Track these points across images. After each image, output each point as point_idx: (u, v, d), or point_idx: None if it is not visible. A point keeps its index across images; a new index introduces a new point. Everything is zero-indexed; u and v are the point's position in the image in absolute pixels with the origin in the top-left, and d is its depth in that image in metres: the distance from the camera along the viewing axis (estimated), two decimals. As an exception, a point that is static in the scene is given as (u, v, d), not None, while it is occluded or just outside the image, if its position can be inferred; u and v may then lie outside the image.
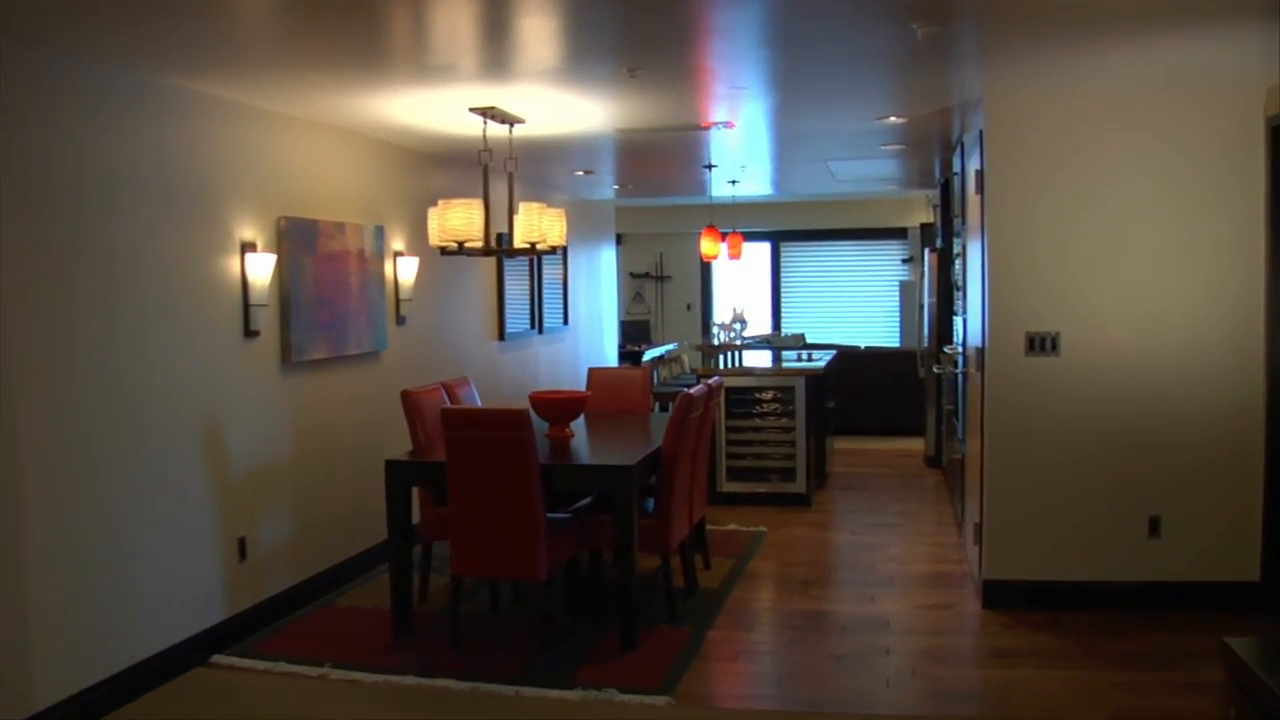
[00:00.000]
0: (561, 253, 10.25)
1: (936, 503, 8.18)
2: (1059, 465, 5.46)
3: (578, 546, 5.44)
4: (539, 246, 5.62)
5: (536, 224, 5.49)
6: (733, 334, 9.23)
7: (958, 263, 7.40)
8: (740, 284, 15.87)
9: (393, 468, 5.28)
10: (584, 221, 11.13)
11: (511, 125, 6.00)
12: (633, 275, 16.08)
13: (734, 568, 6.40)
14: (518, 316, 9.10)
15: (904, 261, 15.01)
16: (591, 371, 7.15)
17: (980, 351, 5.68)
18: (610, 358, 11.94)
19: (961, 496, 6.93)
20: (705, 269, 15.94)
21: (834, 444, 10.04)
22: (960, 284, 7.13)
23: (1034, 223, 5.40)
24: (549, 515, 5.22)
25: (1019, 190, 5.42)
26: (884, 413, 11.53)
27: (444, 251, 5.41)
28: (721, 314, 9.55)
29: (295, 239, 5.70)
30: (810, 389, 8.05)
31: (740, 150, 7.64)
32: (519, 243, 5.56)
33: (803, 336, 14.74)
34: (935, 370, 9.17)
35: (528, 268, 9.34)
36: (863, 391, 11.50)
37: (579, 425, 6.40)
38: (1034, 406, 5.46)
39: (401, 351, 6.97)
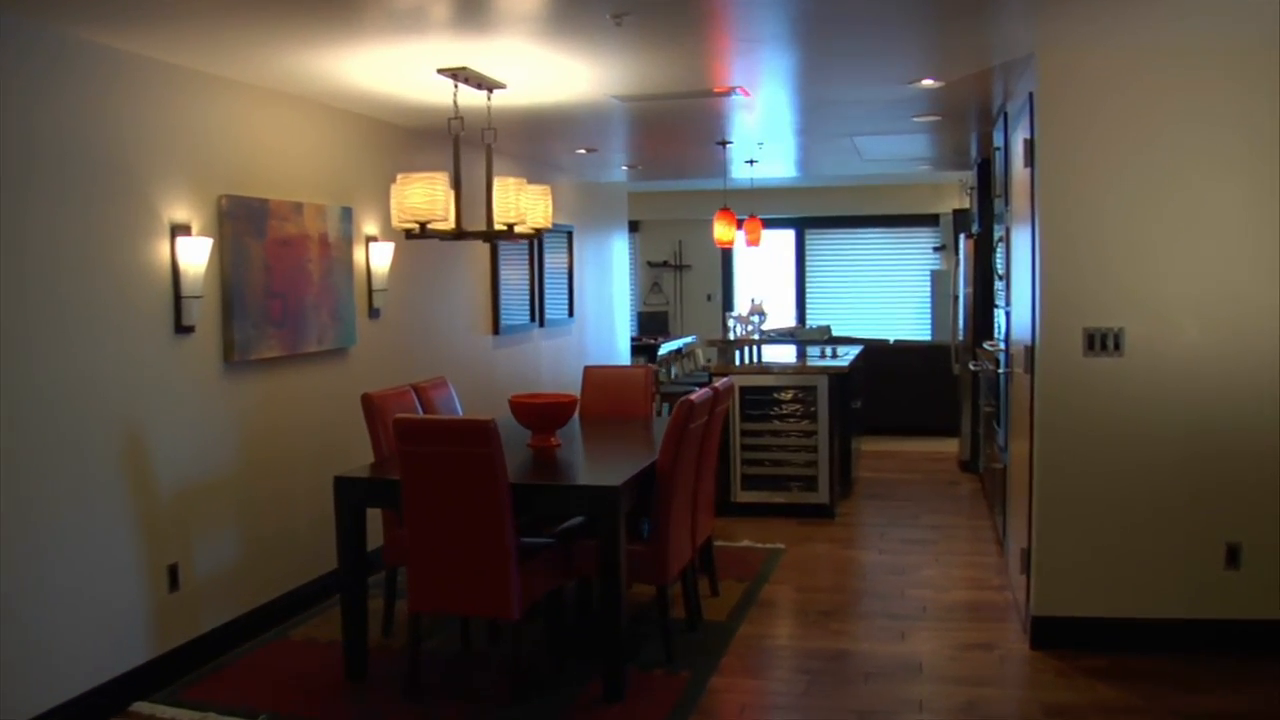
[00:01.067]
0: (566, 238, 9.51)
1: (973, 515, 7.39)
2: (1121, 483, 4.67)
3: (561, 577, 4.70)
4: (518, 229, 4.88)
5: (513, 202, 4.74)
6: (750, 327, 8.45)
7: (999, 249, 6.60)
8: (763, 273, 15.10)
9: (343, 486, 4.55)
10: (593, 205, 10.37)
11: (490, 90, 5.26)
12: (650, 264, 15.36)
13: (745, 594, 5.64)
14: (515, 308, 8.36)
15: (936, 250, 14.20)
16: (587, 371, 6.40)
17: (1029, 350, 4.89)
18: (622, 353, 11.18)
19: (1003, 511, 6.15)
20: (726, 258, 15.18)
21: (861, 445, 9.26)
22: (1002, 273, 6.33)
23: (1096, 200, 4.61)
24: (526, 541, 4.49)
25: (1077, 162, 4.62)
26: (915, 412, 10.72)
27: (408, 235, 4.67)
28: (741, 305, 8.78)
29: (240, 221, 4.97)
30: (834, 388, 7.27)
31: (758, 124, 6.86)
32: (495, 224, 4.81)
33: (828, 329, 13.97)
34: (972, 367, 8.37)
35: (527, 254, 8.60)
36: (892, 389, 10.70)
37: (571, 433, 5.66)
38: (1092, 414, 4.67)
39: (375, 348, 6.25)
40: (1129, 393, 4.63)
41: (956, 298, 9.19)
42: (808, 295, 14.84)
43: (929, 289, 14.00)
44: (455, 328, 7.36)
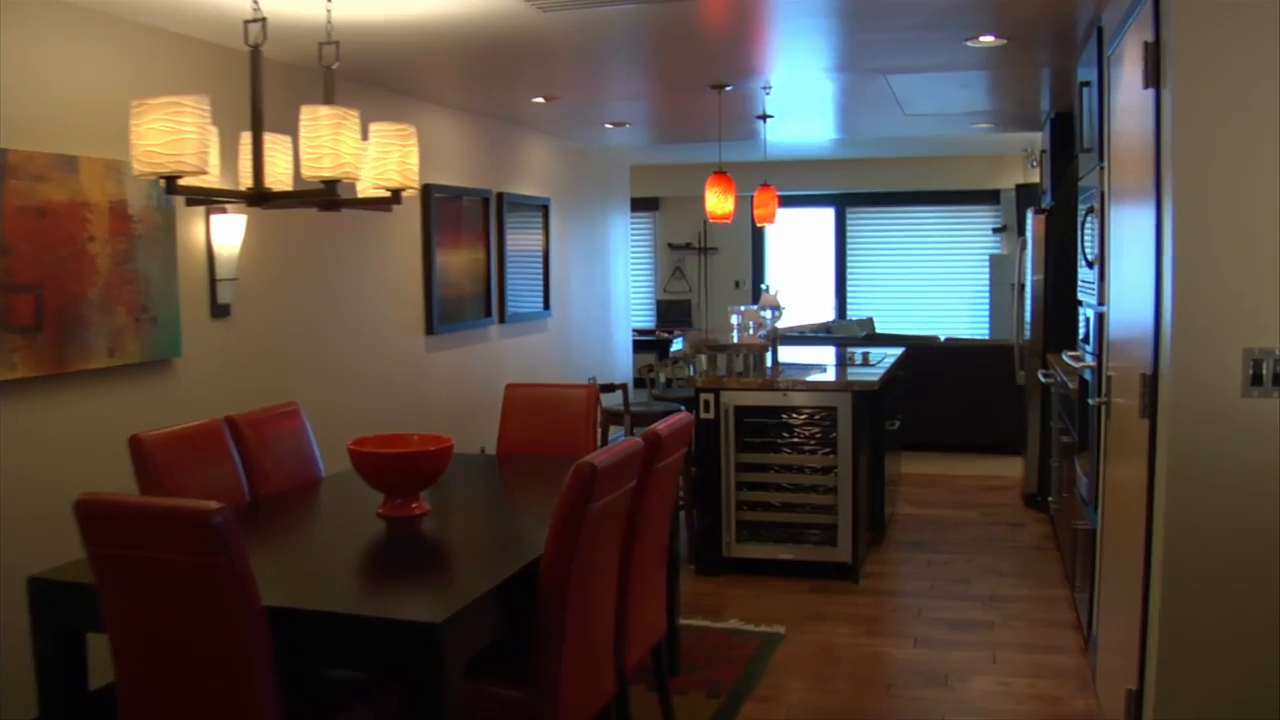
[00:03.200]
0: (540, 213, 7.78)
1: (1043, 579, 5.58)
2: (1302, 601, 2.86)
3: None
4: (366, 191, 3.18)
5: (329, 146, 3.00)
6: (761, 329, 6.68)
7: (1088, 226, 4.75)
8: (799, 257, 13.30)
9: (41, 593, 2.87)
10: (579, 174, 8.63)
11: (330, -12, 3.54)
12: (671, 246, 13.64)
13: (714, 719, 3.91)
14: (460, 299, 6.66)
15: (995, 231, 12.34)
16: (510, 392, 4.67)
17: (1148, 379, 3.09)
18: (620, 352, 9.42)
19: (1088, 590, 4.35)
20: (758, 241, 13.42)
21: (901, 465, 7.47)
22: (1093, 257, 4.50)
23: (1270, 145, 2.79)
24: (334, 682, 2.79)
25: (1244, 85, 2.80)
26: (969, 426, 8.89)
27: (168, 190, 2.96)
28: (769, 295, 7.03)
29: (-59, 177, 3.31)
30: (860, 409, 5.49)
31: (761, 54, 5.09)
32: (305, 177, 3.09)
33: (870, 323, 12.16)
34: (1041, 377, 6.55)
35: (482, 227, 6.89)
36: (942, 397, 8.88)
37: (459, 487, 3.95)
38: (1260, 487, 2.86)
39: (217, 359, 4.57)
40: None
41: (1022, 287, 7.36)
42: (848, 284, 13.04)
43: (987, 277, 12.15)
44: (365, 327, 5.68)
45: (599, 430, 4.57)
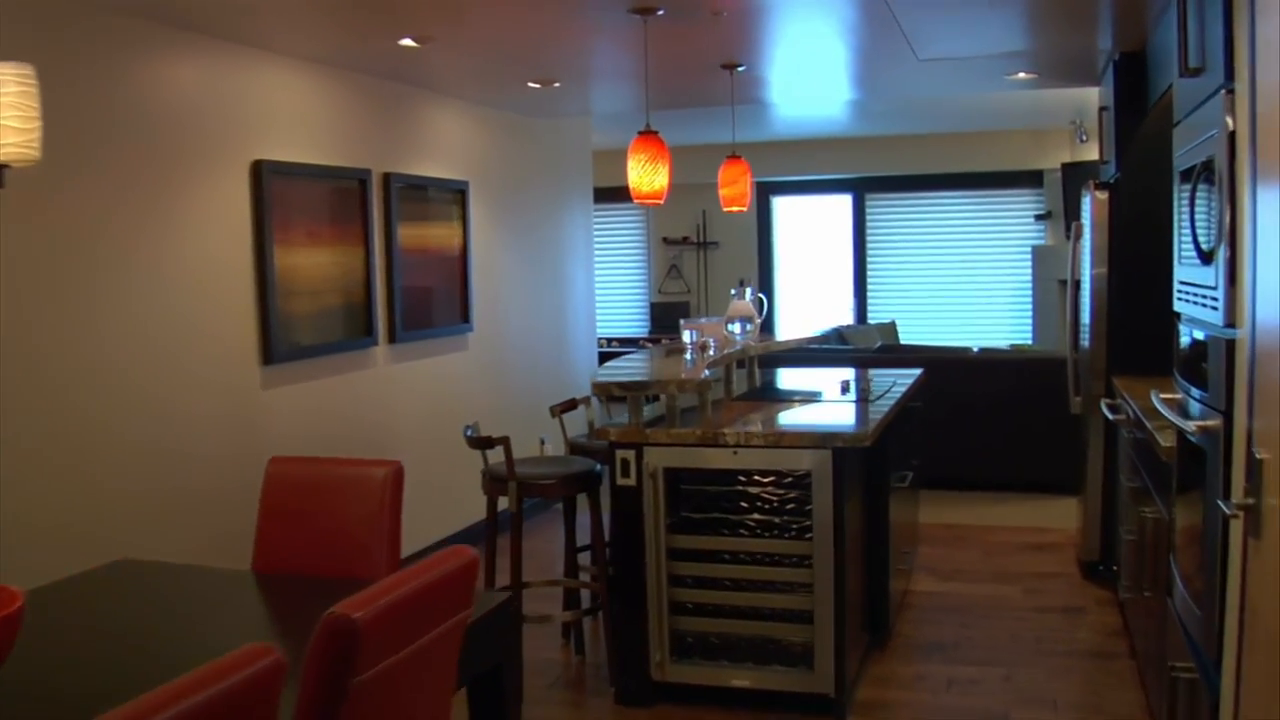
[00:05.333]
0: (456, 199, 6.10)
1: (1115, 713, 3.84)
2: None
3: None
4: None
5: None
6: (722, 345, 4.96)
7: (1201, 196, 2.96)
8: (813, 252, 11.61)
9: None
10: (517, 150, 6.94)
11: None
12: (666, 241, 12.03)
13: None
14: (320, 315, 5.00)
15: (1038, 219, 10.59)
16: (273, 471, 2.98)
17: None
18: (580, 374, 7.70)
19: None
20: (764, 233, 11.77)
21: (919, 512, 5.76)
22: (1211, 249, 2.73)
23: None
24: None
25: None
26: (1008, 459, 7.13)
27: None
28: (740, 302, 5.29)
29: None
30: (848, 470, 3.75)
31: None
32: None
33: (893, 328, 10.42)
34: (1107, 411, 4.81)
35: (358, 218, 5.23)
36: (974, 422, 7.14)
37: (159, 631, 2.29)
38: None
39: None
40: None
41: (1075, 285, 5.62)
42: (868, 282, 11.33)
43: (1029, 272, 10.39)
44: (155, 357, 4.02)
45: (399, 531, 2.86)
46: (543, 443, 5.14)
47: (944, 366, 7.21)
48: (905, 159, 10.67)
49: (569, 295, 7.65)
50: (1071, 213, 9.86)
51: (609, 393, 3.77)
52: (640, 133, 4.04)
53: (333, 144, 5.08)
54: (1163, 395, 3.22)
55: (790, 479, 3.87)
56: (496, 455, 4.05)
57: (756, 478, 3.87)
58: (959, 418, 7.05)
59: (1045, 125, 9.85)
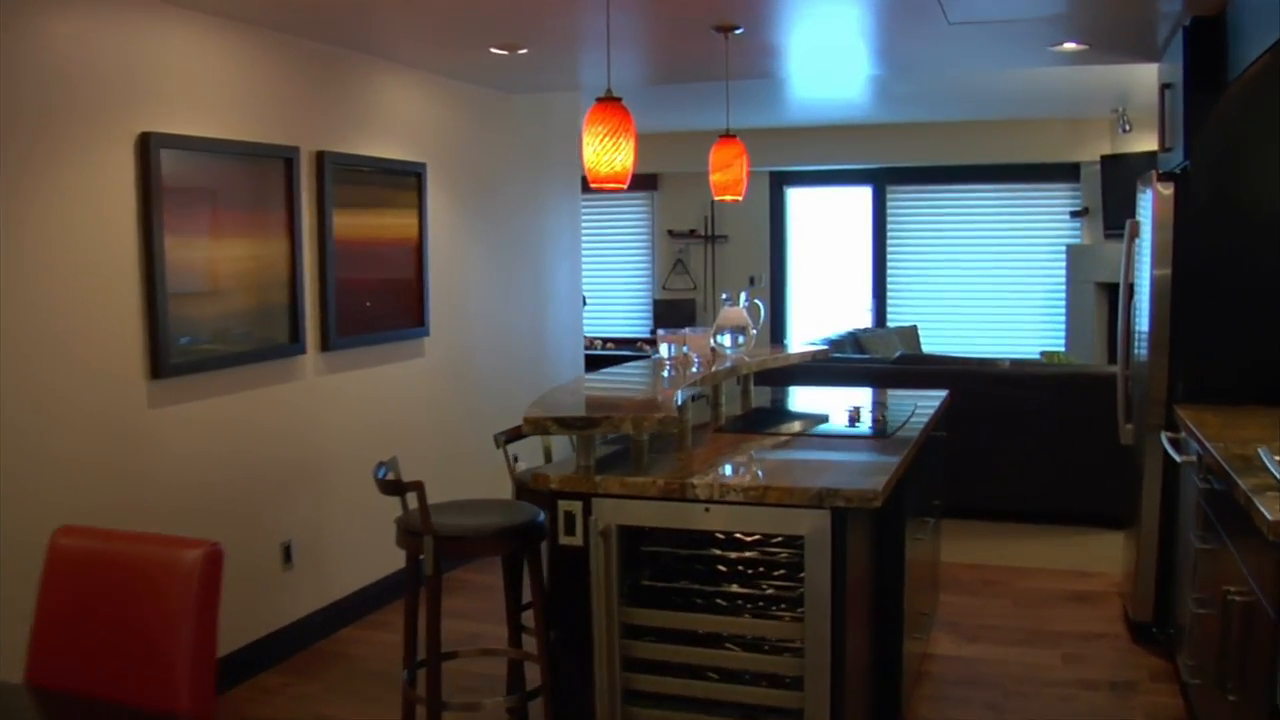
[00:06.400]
0: (412, 183, 5.30)
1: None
2: None
3: None
4: None
5: None
6: (709, 362, 4.15)
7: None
8: (829, 248, 10.79)
9: None
10: (490, 129, 6.13)
11: None
12: (671, 234, 11.19)
13: None
14: (227, 319, 4.21)
15: (1073, 215, 9.73)
16: (59, 538, 2.19)
17: None
18: (564, 382, 6.89)
19: None
20: (777, 227, 10.92)
21: (941, 548, 4.94)
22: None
23: None
24: None
25: None
26: (1044, 485, 6.29)
27: None
28: (732, 309, 4.46)
29: None
30: (850, 535, 2.91)
31: None
32: None
33: (914, 334, 9.58)
34: (1169, 447, 3.99)
35: (284, 204, 4.44)
36: (1003, 443, 6.31)
37: None
38: None
39: None
40: None
41: (1129, 290, 4.78)
42: (888, 282, 10.48)
43: (1063, 273, 9.54)
44: (11, 370, 3.25)
45: (211, 639, 2.06)
46: (515, 460, 4.33)
47: (971, 380, 6.38)
48: (930, 148, 9.81)
49: (551, 294, 6.83)
50: (1111, 209, 9.02)
51: (544, 430, 2.95)
52: (599, 99, 3.21)
53: (248, 116, 4.28)
54: (1276, 456, 2.38)
55: (779, 539, 3.05)
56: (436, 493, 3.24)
57: (731, 544, 3.06)
58: (987, 439, 6.22)
59: (1084, 114, 8.98)
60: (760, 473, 3.04)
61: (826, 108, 8.62)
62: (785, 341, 10.79)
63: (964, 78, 7.04)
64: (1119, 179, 8.86)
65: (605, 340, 11.16)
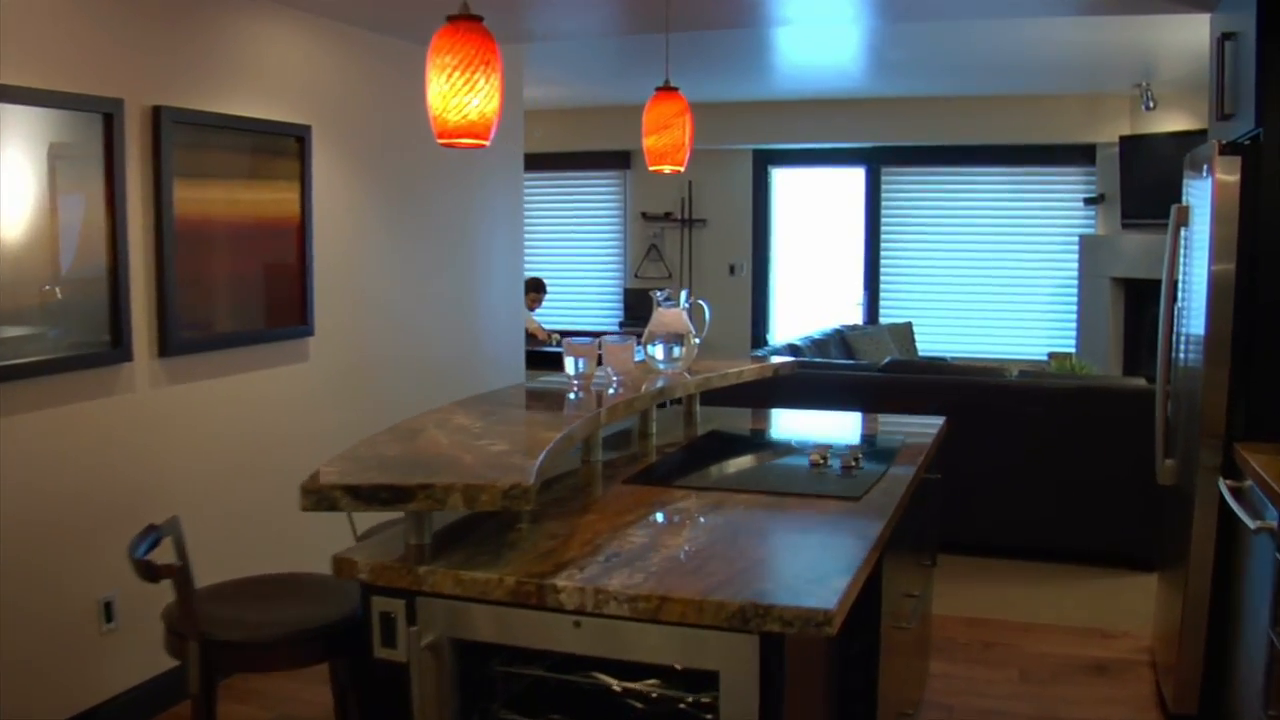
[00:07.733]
0: (295, 147, 4.32)
1: None
2: None
3: None
4: None
5: None
6: (633, 381, 3.19)
7: None
8: (817, 233, 9.88)
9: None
10: (404, 89, 5.12)
11: None
12: (645, 217, 10.35)
13: None
14: (9, 319, 3.24)
15: (1088, 203, 8.83)
16: None
17: None
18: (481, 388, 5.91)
19: None
20: (760, 210, 10.02)
21: (935, 594, 3.99)
22: None
23: None
24: None
25: None
26: (1057, 517, 5.34)
27: None
28: (668, 310, 3.52)
29: None
30: (788, 667, 1.96)
31: None
32: None
33: (908, 331, 8.65)
34: (1230, 498, 3.04)
35: (101, 172, 3.46)
36: (1010, 466, 5.38)
37: None
38: None
39: None
40: None
41: (1173, 290, 3.84)
42: (881, 272, 9.57)
43: (1075, 266, 8.61)
44: None
45: None
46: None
47: (971, 393, 5.45)
48: (929, 126, 8.90)
49: (483, 284, 5.86)
50: (1130, 196, 8.08)
51: (330, 504, 1.99)
52: (449, 18, 2.23)
53: (46, 58, 3.30)
54: None
55: (685, 671, 2.09)
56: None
57: (619, 675, 2.10)
58: (989, 462, 5.28)
59: (1101, 89, 8.05)
60: (656, 569, 2.06)
61: (816, 79, 7.73)
62: (768, 337, 9.87)
63: (969, 43, 6.12)
64: (1140, 162, 7.94)
65: (565, 334, 10.21)
